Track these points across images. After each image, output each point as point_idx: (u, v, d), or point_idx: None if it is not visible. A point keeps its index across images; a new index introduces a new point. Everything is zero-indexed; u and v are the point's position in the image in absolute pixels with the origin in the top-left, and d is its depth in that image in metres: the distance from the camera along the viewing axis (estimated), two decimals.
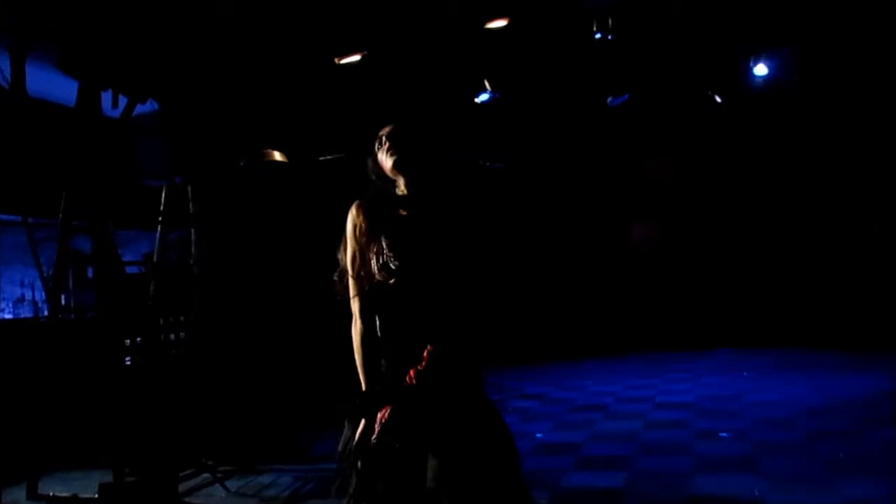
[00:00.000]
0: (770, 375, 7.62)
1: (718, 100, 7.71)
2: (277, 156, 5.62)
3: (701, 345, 9.64)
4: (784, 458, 4.58)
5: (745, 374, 7.80)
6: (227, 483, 4.69)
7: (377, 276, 2.12)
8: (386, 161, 2.21)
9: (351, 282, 2.19)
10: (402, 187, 2.23)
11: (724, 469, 4.42)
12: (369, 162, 2.30)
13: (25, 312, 6.49)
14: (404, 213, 2.17)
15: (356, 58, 6.10)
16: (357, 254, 2.18)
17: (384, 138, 2.23)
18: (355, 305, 2.17)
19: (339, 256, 2.25)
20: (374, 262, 2.12)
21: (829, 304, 9.21)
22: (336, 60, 6.02)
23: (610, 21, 6.20)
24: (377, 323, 2.15)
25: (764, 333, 9.47)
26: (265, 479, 4.83)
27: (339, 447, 2.17)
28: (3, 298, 6.44)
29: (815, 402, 6.15)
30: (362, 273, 2.16)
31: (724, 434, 5.29)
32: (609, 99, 7.62)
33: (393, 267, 2.09)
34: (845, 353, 8.47)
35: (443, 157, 2.31)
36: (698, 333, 9.78)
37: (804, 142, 9.33)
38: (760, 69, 7.02)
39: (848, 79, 7.66)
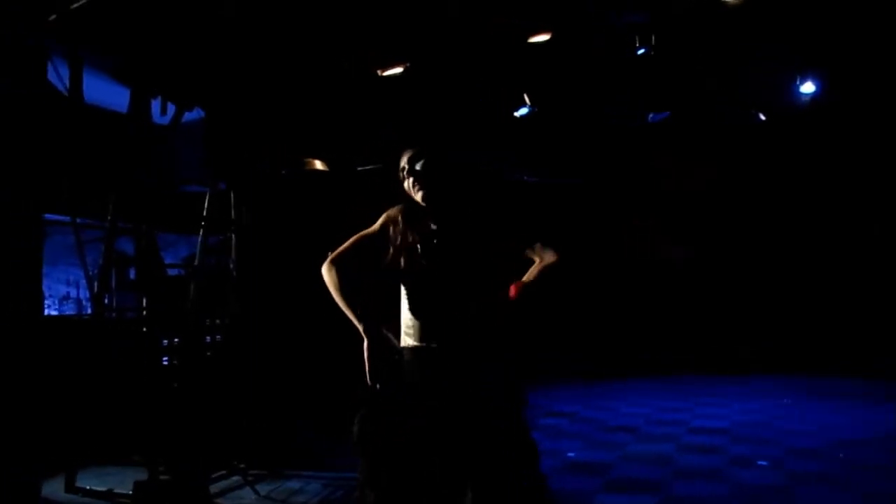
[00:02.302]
0: (806, 403, 7.43)
1: (763, 117, 7.59)
2: (318, 165, 5.72)
3: (734, 369, 9.46)
4: (820, 489, 4.45)
5: (785, 400, 7.62)
6: (257, 487, 4.74)
7: (402, 267, 2.31)
8: (413, 193, 2.37)
9: (349, 244, 2.36)
10: (420, 201, 2.38)
11: (760, 498, 4.32)
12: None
13: (69, 310, 6.68)
14: (433, 226, 2.34)
15: (398, 70, 6.17)
16: (374, 239, 2.35)
17: (406, 172, 2.32)
18: (335, 256, 2.33)
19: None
20: (402, 258, 2.31)
21: (872, 330, 8.98)
22: (378, 72, 6.10)
23: (653, 37, 6.17)
24: (404, 306, 2.33)
25: (800, 359, 9.27)
26: (294, 484, 4.87)
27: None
28: (50, 296, 6.64)
29: (854, 433, 5.97)
30: (363, 254, 2.34)
31: (762, 462, 5.17)
32: (650, 115, 7.57)
33: (421, 266, 2.28)
34: (886, 382, 8.21)
35: (468, 178, 2.42)
36: (731, 357, 9.62)
37: (841, 161, 9.18)
38: (807, 87, 6.90)
39: (873, 89, 7.53)
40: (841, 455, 5.22)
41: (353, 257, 2.32)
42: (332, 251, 2.37)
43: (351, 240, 2.36)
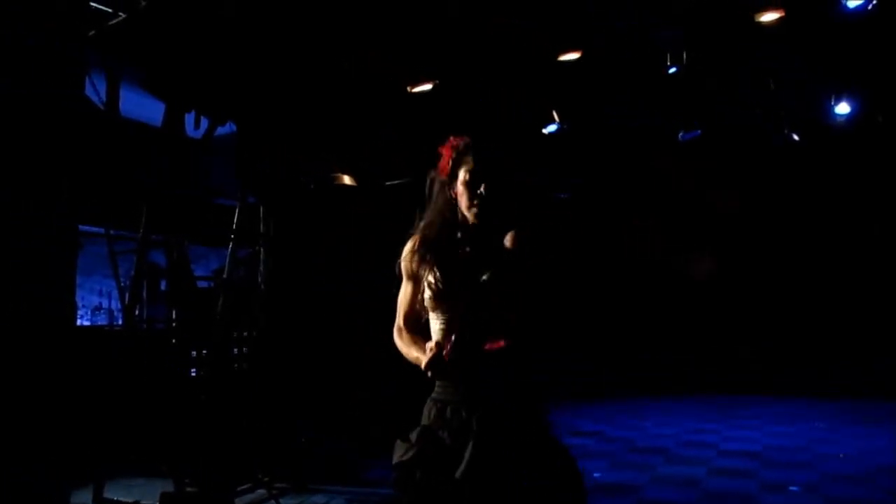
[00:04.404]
0: (842, 427, 7.23)
1: (796, 138, 7.49)
2: (347, 179, 5.76)
3: (766, 390, 9.27)
4: None
5: (816, 423, 7.43)
6: (282, 500, 4.73)
7: (428, 304, 2.20)
8: (464, 208, 2.22)
9: (402, 310, 2.29)
10: (469, 219, 2.24)
11: None
12: (432, 179, 2.30)
13: (101, 320, 6.77)
14: (464, 246, 2.22)
15: (428, 86, 6.21)
16: (409, 287, 2.27)
17: (465, 185, 2.21)
18: (399, 326, 2.29)
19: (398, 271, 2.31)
20: (426, 293, 2.20)
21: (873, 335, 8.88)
22: (408, 89, 6.14)
23: (685, 55, 6.13)
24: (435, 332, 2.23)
25: (835, 380, 9.06)
26: (318, 499, 4.85)
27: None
28: (83, 306, 6.74)
29: (893, 459, 5.78)
30: (416, 307, 2.25)
31: (794, 487, 5.03)
32: (680, 134, 7.50)
33: (443, 297, 2.17)
34: None
35: (515, 193, 2.32)
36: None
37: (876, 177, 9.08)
38: (842, 107, 6.80)
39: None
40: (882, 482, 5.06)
41: (412, 315, 2.28)
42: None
43: (400, 306, 2.32)
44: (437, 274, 2.19)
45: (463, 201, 2.22)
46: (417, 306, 2.26)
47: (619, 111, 7.59)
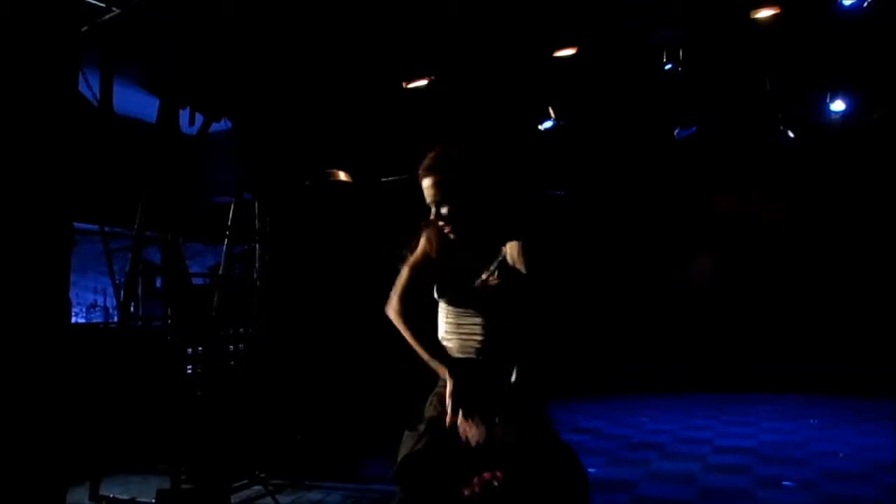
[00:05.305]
0: (839, 424, 7.25)
1: (791, 135, 7.49)
2: (342, 176, 5.75)
3: (762, 388, 9.30)
4: None
5: (812, 421, 7.45)
6: (278, 497, 4.72)
7: (436, 295, 2.23)
8: (444, 234, 2.20)
9: (407, 277, 2.22)
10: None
11: None
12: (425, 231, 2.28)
13: (97, 318, 6.76)
14: (463, 256, 2.23)
15: (423, 82, 6.20)
16: (422, 259, 2.24)
17: (431, 203, 2.15)
18: (400, 295, 2.20)
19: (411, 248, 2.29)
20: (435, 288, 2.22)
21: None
22: (404, 85, 6.13)
23: (681, 53, 6.13)
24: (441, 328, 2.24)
25: (831, 378, 9.09)
26: (315, 495, 4.85)
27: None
28: (78, 304, 6.73)
29: (891, 456, 5.80)
30: (418, 287, 2.23)
31: (789, 483, 5.04)
32: (676, 131, 7.50)
33: (447, 290, 2.20)
34: None
35: (497, 191, 2.26)
36: (760, 376, 9.48)
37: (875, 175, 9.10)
38: (838, 105, 6.80)
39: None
40: (879, 479, 5.07)
41: (415, 289, 2.20)
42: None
43: (406, 272, 2.22)
44: (443, 274, 2.21)
45: (442, 231, 2.18)
46: (419, 286, 2.22)
47: (619, 110, 7.60)
